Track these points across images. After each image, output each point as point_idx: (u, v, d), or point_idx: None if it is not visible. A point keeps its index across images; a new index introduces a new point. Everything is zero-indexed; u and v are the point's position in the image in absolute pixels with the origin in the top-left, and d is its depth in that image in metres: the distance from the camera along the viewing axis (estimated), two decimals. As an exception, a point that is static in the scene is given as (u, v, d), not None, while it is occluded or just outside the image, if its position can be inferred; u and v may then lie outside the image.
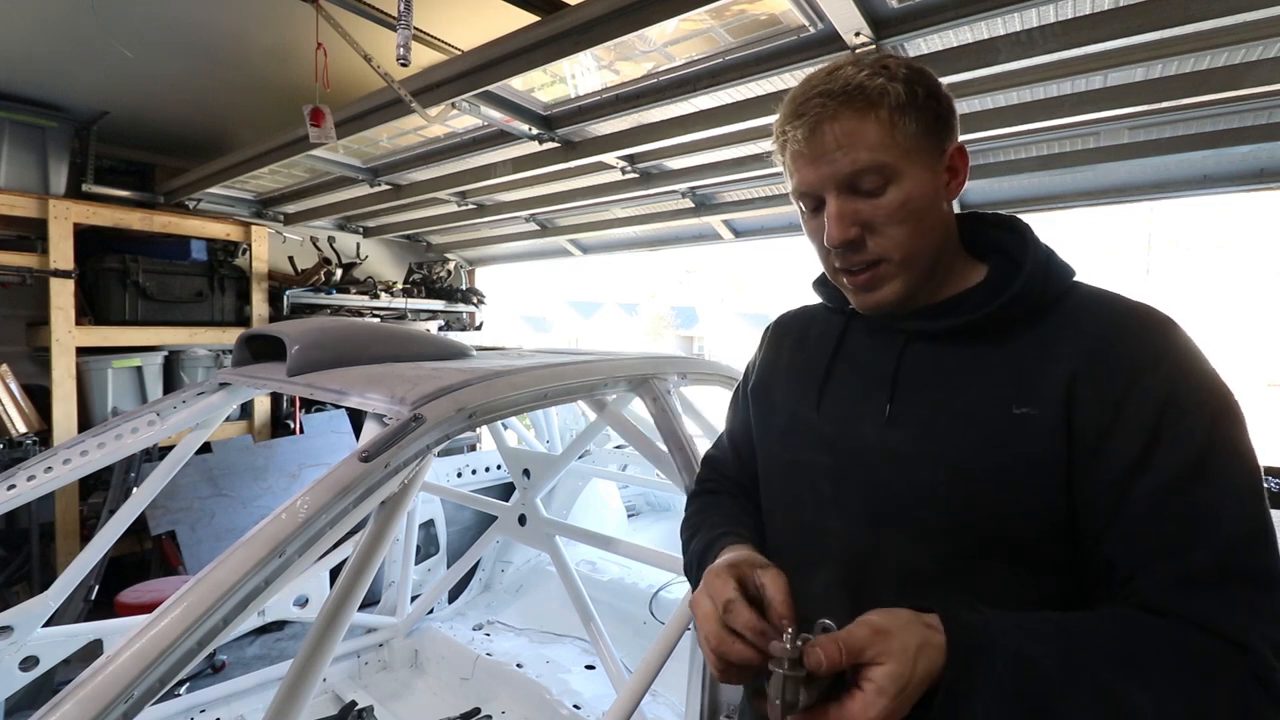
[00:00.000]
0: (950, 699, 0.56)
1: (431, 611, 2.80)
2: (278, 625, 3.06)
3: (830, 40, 1.63)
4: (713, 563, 0.75)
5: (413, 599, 2.75)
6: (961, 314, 0.76)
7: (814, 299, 0.97)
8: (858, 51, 1.58)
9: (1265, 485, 0.64)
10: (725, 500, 0.97)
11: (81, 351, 3.19)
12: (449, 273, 5.04)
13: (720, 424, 1.14)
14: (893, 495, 0.74)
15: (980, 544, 0.70)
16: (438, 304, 4.74)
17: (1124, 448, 0.65)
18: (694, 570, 0.87)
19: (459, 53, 2.15)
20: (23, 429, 2.95)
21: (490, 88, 1.95)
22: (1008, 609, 0.63)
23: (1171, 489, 0.63)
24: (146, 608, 2.39)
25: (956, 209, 0.85)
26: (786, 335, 0.98)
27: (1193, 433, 0.63)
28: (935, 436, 0.72)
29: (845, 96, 0.71)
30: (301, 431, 3.97)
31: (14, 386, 3.04)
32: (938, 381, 0.75)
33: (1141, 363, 0.66)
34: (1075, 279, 0.76)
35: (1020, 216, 0.83)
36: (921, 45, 1.68)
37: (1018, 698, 0.56)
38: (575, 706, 2.13)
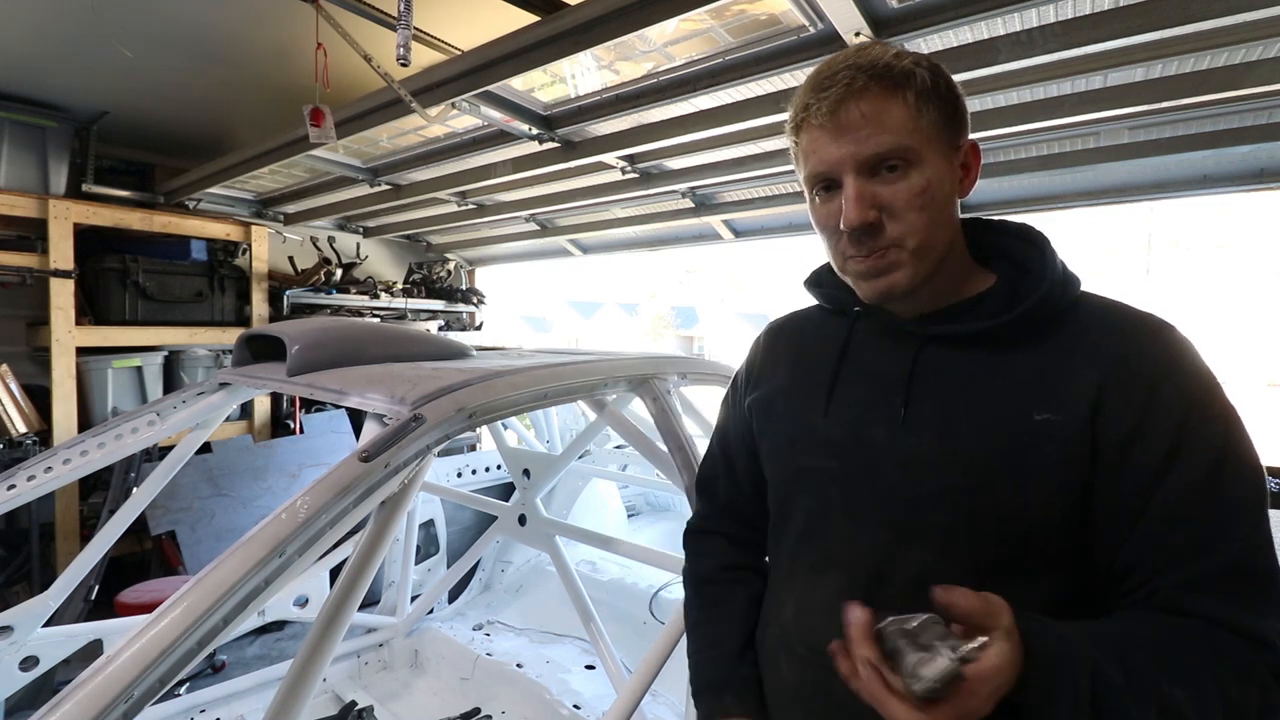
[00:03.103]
0: (1039, 708, 0.57)
1: (431, 611, 2.80)
2: (278, 625, 3.05)
3: (830, 40, 1.63)
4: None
5: (413, 599, 2.74)
6: (979, 318, 0.75)
7: (808, 300, 0.96)
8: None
9: (1267, 485, 0.66)
10: (718, 588, 0.96)
11: (81, 351, 3.19)
12: (449, 273, 5.04)
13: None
14: (908, 499, 0.73)
15: (995, 547, 0.69)
16: (438, 304, 4.74)
17: (1148, 454, 0.65)
18: (700, 698, 0.89)
19: (459, 53, 2.15)
20: (23, 429, 2.95)
21: (490, 88, 1.95)
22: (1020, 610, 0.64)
23: (1193, 495, 0.64)
24: (146, 608, 2.38)
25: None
26: (781, 342, 0.97)
27: (1211, 441, 0.65)
28: (954, 439, 0.72)
29: (875, 73, 0.70)
30: (301, 431, 3.97)
31: (14, 386, 3.03)
32: (955, 385, 0.74)
33: (1160, 371, 0.67)
34: (1082, 288, 0.77)
35: (1026, 220, 0.83)
36: (921, 45, 1.68)
37: (1094, 708, 0.57)
38: (575, 706, 2.13)
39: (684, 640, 1.45)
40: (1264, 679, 0.60)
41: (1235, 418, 0.67)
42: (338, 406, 3.76)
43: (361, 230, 4.56)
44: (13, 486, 1.62)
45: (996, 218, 0.85)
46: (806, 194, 0.80)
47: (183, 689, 2.28)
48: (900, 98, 0.70)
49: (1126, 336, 0.70)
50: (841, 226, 0.73)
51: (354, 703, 2.27)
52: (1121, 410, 0.67)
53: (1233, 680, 0.59)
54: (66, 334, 3.11)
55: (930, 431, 0.73)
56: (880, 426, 0.77)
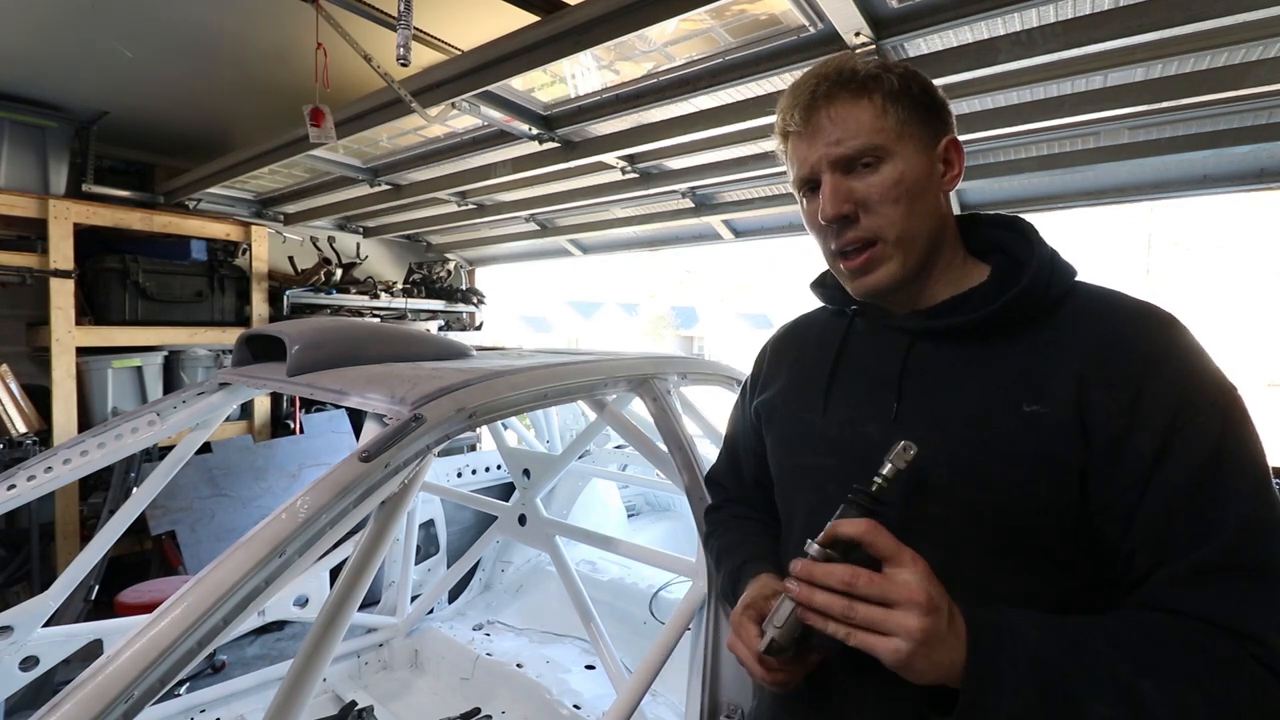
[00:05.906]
0: (976, 688, 0.58)
1: (431, 611, 2.80)
2: (278, 625, 3.05)
3: (830, 40, 1.63)
4: (741, 594, 0.83)
5: (413, 599, 2.74)
6: (966, 312, 0.76)
7: (814, 303, 0.98)
8: (858, 52, 1.58)
9: (1270, 477, 0.65)
10: (735, 522, 1.01)
11: (81, 351, 3.19)
12: (449, 273, 5.04)
13: (720, 425, 1.18)
14: (902, 493, 0.73)
15: (992, 542, 0.70)
16: (438, 304, 4.74)
17: (1139, 448, 0.65)
18: (729, 595, 0.92)
19: (459, 53, 2.15)
20: (23, 429, 2.95)
21: (490, 88, 1.95)
22: (1021, 607, 0.64)
23: (1185, 487, 0.64)
24: (146, 608, 2.39)
25: (956, 210, 0.85)
26: (787, 347, 1.00)
27: (1204, 431, 0.64)
28: (944, 433, 0.72)
29: (840, 80, 0.76)
30: (301, 431, 3.97)
31: (14, 386, 3.03)
32: (945, 380, 0.76)
33: (1150, 363, 0.67)
34: (1077, 279, 0.77)
35: (1022, 216, 0.84)
36: (921, 45, 1.68)
37: (1041, 691, 0.58)
38: (575, 706, 2.13)
39: (684, 640, 1.47)
40: (1255, 674, 0.58)
41: (1233, 407, 0.66)
42: (338, 406, 3.76)
43: (361, 230, 4.56)
44: (13, 486, 1.61)
45: (989, 213, 0.86)
46: (797, 198, 0.84)
47: (183, 689, 2.28)
48: (866, 99, 0.75)
49: (1115, 328, 0.70)
50: (820, 219, 0.77)
51: (354, 703, 2.27)
52: (1108, 404, 0.67)
53: (1215, 676, 0.58)
54: (66, 334, 3.11)
55: (921, 426, 0.74)
56: (873, 423, 0.79)
